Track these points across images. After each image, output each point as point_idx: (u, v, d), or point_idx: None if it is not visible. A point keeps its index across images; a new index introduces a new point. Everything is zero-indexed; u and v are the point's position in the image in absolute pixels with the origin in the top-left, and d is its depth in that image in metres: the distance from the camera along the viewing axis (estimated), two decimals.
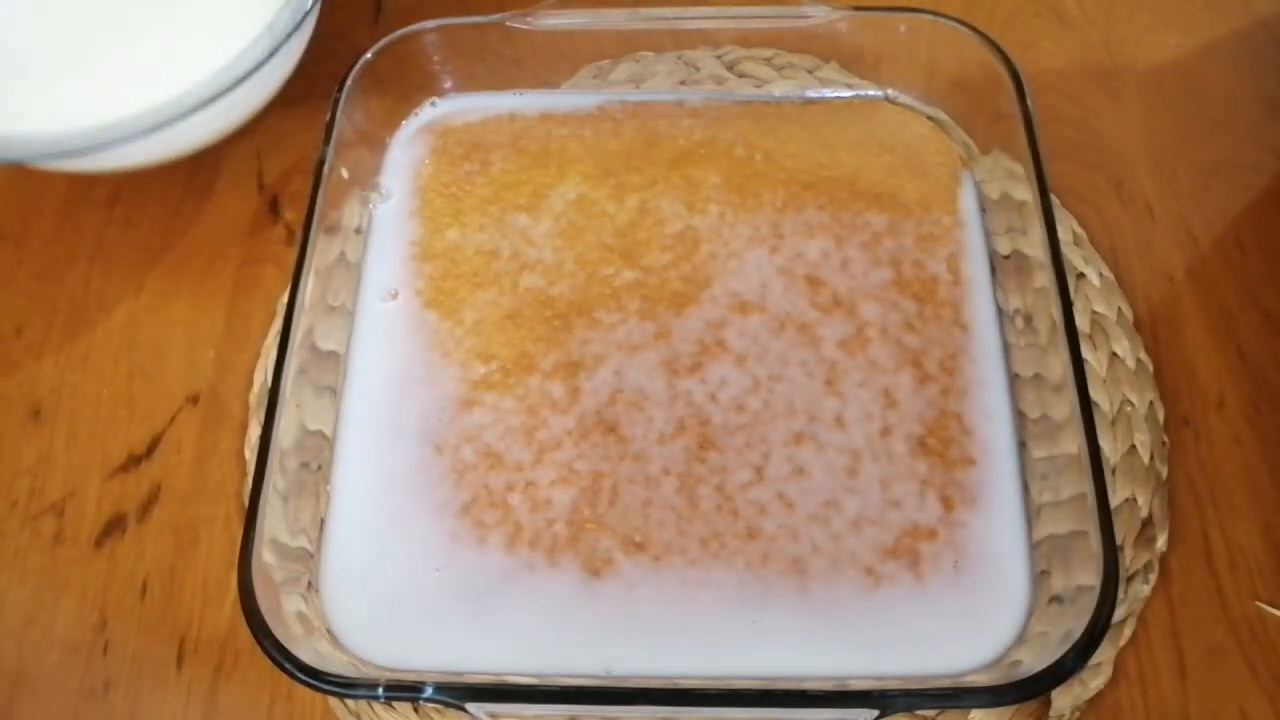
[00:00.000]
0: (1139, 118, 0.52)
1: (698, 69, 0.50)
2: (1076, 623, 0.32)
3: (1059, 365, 0.37)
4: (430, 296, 0.43)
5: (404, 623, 0.37)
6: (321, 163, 0.42)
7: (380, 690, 0.35)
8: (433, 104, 0.49)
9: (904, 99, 0.47)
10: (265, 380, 0.46)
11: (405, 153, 0.47)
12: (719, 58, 0.51)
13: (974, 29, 0.44)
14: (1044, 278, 0.39)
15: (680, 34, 0.51)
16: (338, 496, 0.39)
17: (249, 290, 0.49)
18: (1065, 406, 0.36)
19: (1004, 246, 0.43)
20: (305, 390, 0.39)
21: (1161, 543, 0.41)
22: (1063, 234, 0.47)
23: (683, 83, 0.50)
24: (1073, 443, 0.35)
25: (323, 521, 0.39)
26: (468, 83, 0.49)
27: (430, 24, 0.47)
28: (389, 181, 0.47)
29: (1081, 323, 0.45)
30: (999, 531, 0.37)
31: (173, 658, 0.41)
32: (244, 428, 0.45)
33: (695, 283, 0.43)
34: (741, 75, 0.50)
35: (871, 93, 0.48)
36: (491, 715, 0.36)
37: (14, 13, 0.49)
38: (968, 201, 0.45)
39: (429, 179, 0.47)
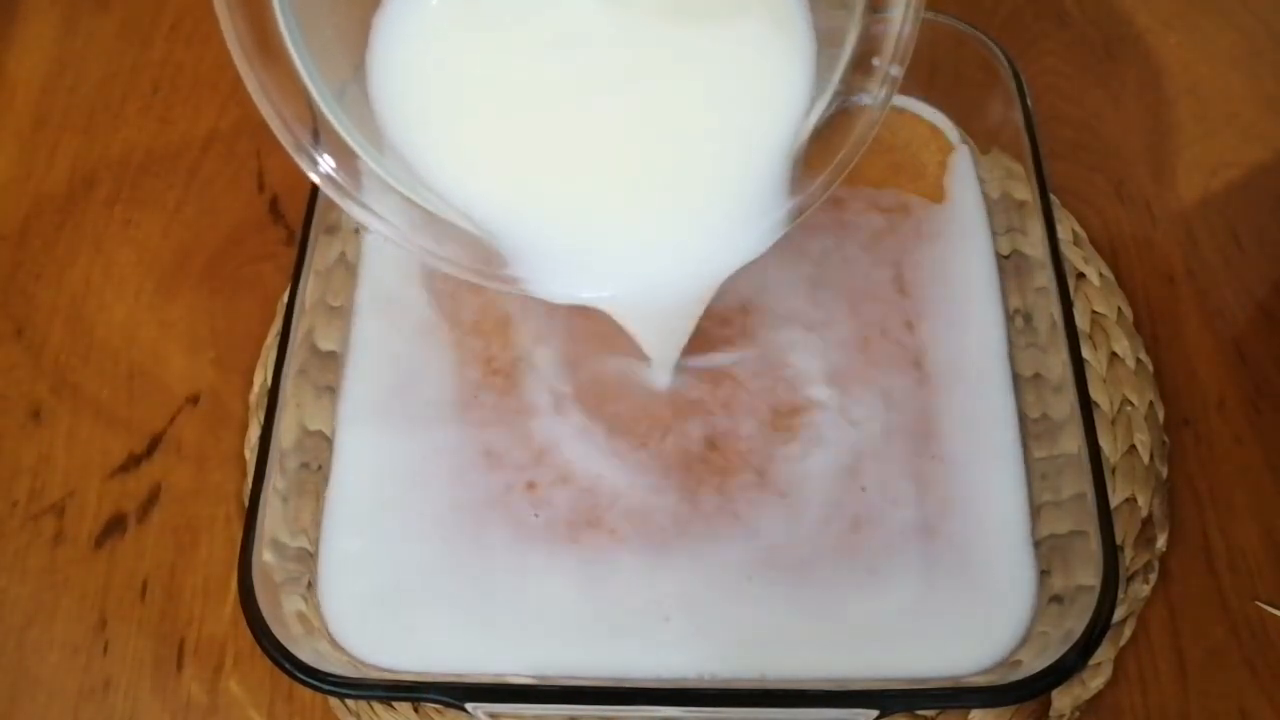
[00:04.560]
0: (1139, 118, 0.52)
1: None
2: (1076, 623, 0.32)
3: (1059, 365, 0.37)
4: (429, 296, 0.43)
5: (403, 623, 0.37)
6: None
7: (380, 690, 0.35)
8: None
9: (904, 99, 0.47)
10: (265, 380, 0.46)
11: None
12: None
13: (974, 29, 0.44)
14: (1044, 277, 0.39)
15: None
16: (335, 497, 0.39)
17: (249, 290, 0.49)
18: (1065, 406, 0.36)
19: (1004, 246, 0.43)
20: (305, 390, 0.39)
21: (1161, 543, 0.41)
22: (1063, 234, 0.47)
23: None
24: (1073, 442, 0.35)
25: (320, 522, 0.39)
26: None
27: None
28: None
29: (1081, 322, 0.45)
30: (999, 531, 0.37)
31: (173, 658, 0.41)
32: (244, 428, 0.45)
33: None
34: None
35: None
36: (491, 715, 0.36)
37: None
38: (968, 201, 0.44)
39: None
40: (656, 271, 0.34)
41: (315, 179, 0.32)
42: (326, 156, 0.32)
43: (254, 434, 0.45)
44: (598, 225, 0.33)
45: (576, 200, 0.33)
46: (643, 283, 0.34)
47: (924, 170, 0.45)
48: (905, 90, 0.47)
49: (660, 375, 0.40)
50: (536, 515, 0.38)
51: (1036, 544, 0.37)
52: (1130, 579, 0.40)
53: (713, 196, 0.33)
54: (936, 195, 0.45)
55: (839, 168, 0.34)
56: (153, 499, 0.44)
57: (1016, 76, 0.43)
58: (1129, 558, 0.41)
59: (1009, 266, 0.42)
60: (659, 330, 0.38)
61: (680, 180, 0.33)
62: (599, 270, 0.34)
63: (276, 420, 0.37)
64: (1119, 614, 0.40)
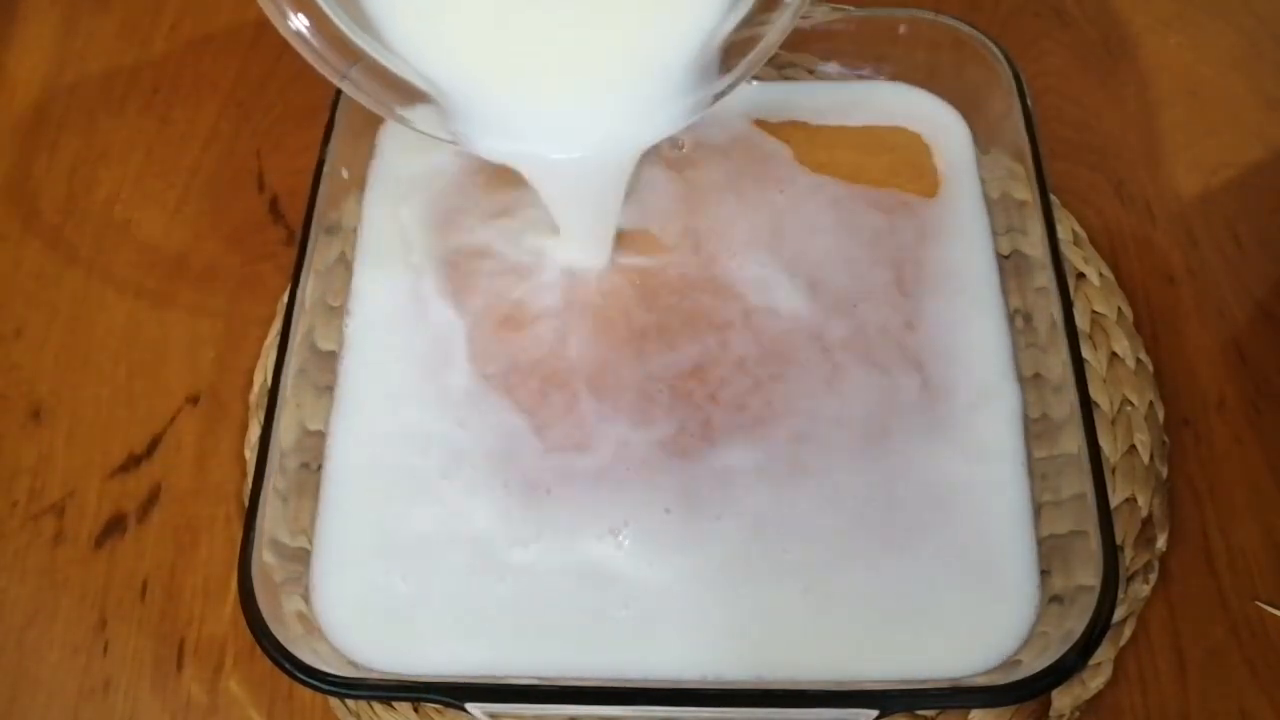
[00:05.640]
0: (1139, 118, 0.52)
1: None
2: (1077, 623, 0.32)
3: (1059, 365, 0.37)
4: (425, 296, 0.43)
5: (399, 624, 0.37)
6: (321, 163, 0.42)
7: (381, 690, 0.35)
8: None
9: (904, 96, 0.47)
10: (265, 380, 0.46)
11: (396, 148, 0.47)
12: None
13: (974, 29, 0.44)
14: (1044, 278, 0.39)
15: None
16: (331, 497, 0.39)
17: (249, 290, 0.49)
18: (1065, 406, 0.36)
19: (1004, 246, 0.43)
20: (305, 390, 0.39)
21: (1161, 543, 0.41)
22: (1063, 234, 0.47)
23: None
24: (1073, 442, 0.35)
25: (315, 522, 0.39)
26: None
27: None
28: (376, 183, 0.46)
29: (1081, 322, 0.45)
30: (1000, 532, 0.37)
31: (173, 658, 0.41)
32: (244, 428, 0.45)
33: (696, 283, 0.43)
34: None
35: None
36: (491, 715, 0.36)
37: None
38: (969, 201, 0.44)
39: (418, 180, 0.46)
40: (575, 135, 0.38)
41: (287, 36, 0.35)
42: (300, 16, 0.35)
43: (254, 434, 0.45)
44: (527, 88, 0.37)
45: (509, 64, 0.37)
46: (562, 144, 0.38)
47: (923, 170, 0.45)
48: (905, 90, 0.48)
49: (589, 255, 0.42)
50: (534, 515, 0.38)
51: (1037, 544, 0.37)
52: (1130, 579, 0.40)
53: (636, 73, 0.37)
54: (937, 194, 0.45)
55: (760, 55, 0.37)
56: (153, 499, 0.44)
57: (1016, 76, 0.43)
58: (1129, 558, 0.41)
59: (1009, 266, 0.42)
60: (578, 202, 0.41)
61: (607, 55, 0.37)
62: (525, 129, 0.38)
63: (276, 420, 0.37)
64: (1119, 614, 0.40)
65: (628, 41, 0.36)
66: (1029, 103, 0.42)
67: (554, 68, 0.37)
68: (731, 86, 0.38)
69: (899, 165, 0.45)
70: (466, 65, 0.37)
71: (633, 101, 0.37)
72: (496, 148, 0.39)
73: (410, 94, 0.37)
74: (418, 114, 0.38)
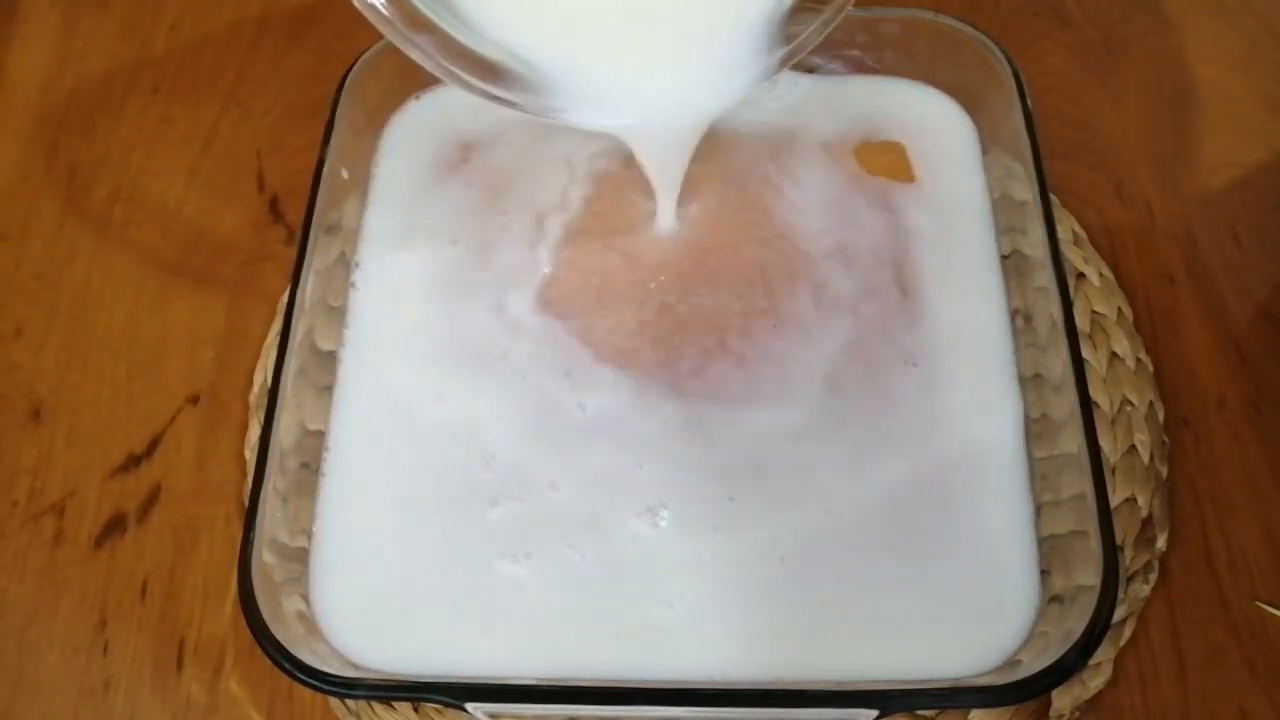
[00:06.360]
0: (1139, 118, 0.52)
1: None
2: (1077, 623, 0.32)
3: (1059, 365, 0.37)
4: (421, 297, 0.43)
5: (398, 624, 0.37)
6: (321, 163, 0.42)
7: (381, 690, 0.35)
8: (416, 98, 0.48)
9: (906, 93, 0.47)
10: (265, 380, 0.46)
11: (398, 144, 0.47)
12: None
13: (974, 29, 0.44)
14: (1044, 277, 0.39)
15: None
16: (331, 497, 0.39)
17: (249, 290, 0.49)
18: (1065, 406, 0.36)
19: (1004, 246, 0.43)
20: (305, 390, 0.39)
21: (1161, 543, 0.41)
22: (1063, 234, 0.47)
23: None
24: (1072, 443, 0.35)
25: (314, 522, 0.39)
26: None
27: None
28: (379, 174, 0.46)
29: (1081, 322, 0.45)
30: (1000, 532, 0.37)
31: (173, 658, 0.41)
32: (244, 428, 0.45)
33: (696, 282, 0.43)
34: None
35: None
36: (491, 715, 0.36)
37: None
38: (970, 201, 0.44)
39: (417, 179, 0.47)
40: (667, 105, 0.40)
41: (361, 9, 0.35)
42: None
43: (254, 434, 0.45)
44: (621, 64, 0.39)
45: (606, 43, 0.38)
46: (656, 113, 0.40)
47: (924, 170, 0.45)
48: (905, 90, 0.48)
49: (665, 216, 0.44)
50: (535, 512, 0.38)
51: (1037, 544, 0.37)
52: (1130, 579, 0.40)
53: (711, 44, 0.39)
54: (937, 195, 0.45)
55: (821, 25, 0.39)
56: (153, 499, 0.45)
57: (1016, 76, 0.43)
58: (1129, 558, 0.41)
59: (1009, 266, 0.42)
60: (664, 157, 0.43)
61: (686, 30, 0.38)
62: (620, 102, 0.39)
63: (276, 420, 0.37)
64: (1119, 614, 0.40)
65: (709, 7, 0.38)
66: (1029, 103, 0.42)
67: (638, 34, 0.38)
68: (795, 52, 0.39)
69: (898, 165, 0.45)
70: (553, 37, 0.37)
71: (708, 68, 0.39)
72: (588, 119, 0.40)
73: (483, 65, 0.38)
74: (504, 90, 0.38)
